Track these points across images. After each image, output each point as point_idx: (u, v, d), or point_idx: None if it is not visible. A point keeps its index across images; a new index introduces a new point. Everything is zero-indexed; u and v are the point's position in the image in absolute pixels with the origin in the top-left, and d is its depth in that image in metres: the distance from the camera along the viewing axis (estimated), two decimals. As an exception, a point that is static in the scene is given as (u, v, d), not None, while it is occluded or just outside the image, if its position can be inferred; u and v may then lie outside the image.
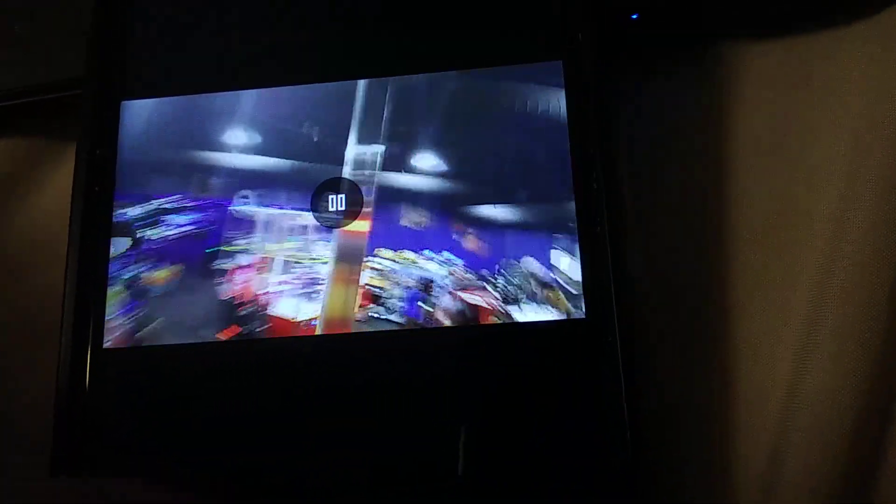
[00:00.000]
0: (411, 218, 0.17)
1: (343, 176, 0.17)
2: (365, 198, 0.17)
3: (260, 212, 0.17)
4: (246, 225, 0.17)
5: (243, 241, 0.17)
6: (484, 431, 0.16)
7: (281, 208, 0.17)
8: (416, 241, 0.17)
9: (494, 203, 0.17)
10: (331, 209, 0.17)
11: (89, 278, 0.17)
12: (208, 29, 0.19)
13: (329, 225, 0.17)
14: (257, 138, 0.18)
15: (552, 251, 0.16)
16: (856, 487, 0.17)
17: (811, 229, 0.18)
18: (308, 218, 0.17)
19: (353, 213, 0.17)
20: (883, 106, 0.18)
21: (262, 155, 0.18)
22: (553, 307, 0.16)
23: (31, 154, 0.23)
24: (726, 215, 0.19)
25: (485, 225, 0.17)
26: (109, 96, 0.18)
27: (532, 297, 0.16)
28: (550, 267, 0.16)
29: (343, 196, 0.17)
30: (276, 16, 0.19)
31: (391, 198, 0.17)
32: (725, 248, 0.19)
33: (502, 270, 0.16)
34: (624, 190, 0.16)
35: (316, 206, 0.17)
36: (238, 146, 0.18)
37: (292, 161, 0.17)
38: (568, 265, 0.16)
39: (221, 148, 0.18)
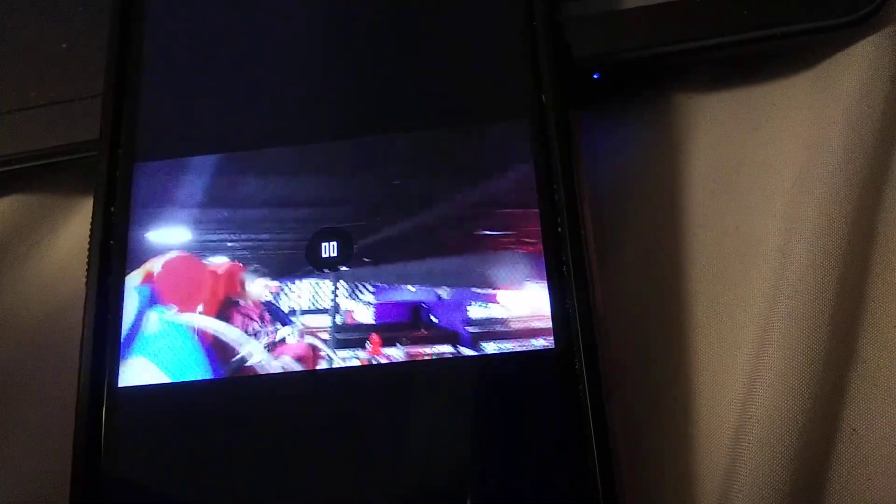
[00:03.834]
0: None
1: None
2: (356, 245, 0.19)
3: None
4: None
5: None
6: (453, 472, 0.17)
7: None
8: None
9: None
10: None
11: (106, 319, 0.19)
12: (218, 92, 0.20)
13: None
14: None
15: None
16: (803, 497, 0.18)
17: (761, 261, 0.20)
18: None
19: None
20: (819, 149, 0.20)
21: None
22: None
23: (45, 207, 0.25)
24: (684, 251, 0.21)
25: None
26: (122, 159, 0.20)
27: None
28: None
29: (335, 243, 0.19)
30: (278, 76, 0.21)
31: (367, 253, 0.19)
32: (684, 282, 0.21)
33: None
34: (588, 232, 0.18)
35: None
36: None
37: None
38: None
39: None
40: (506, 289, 0.18)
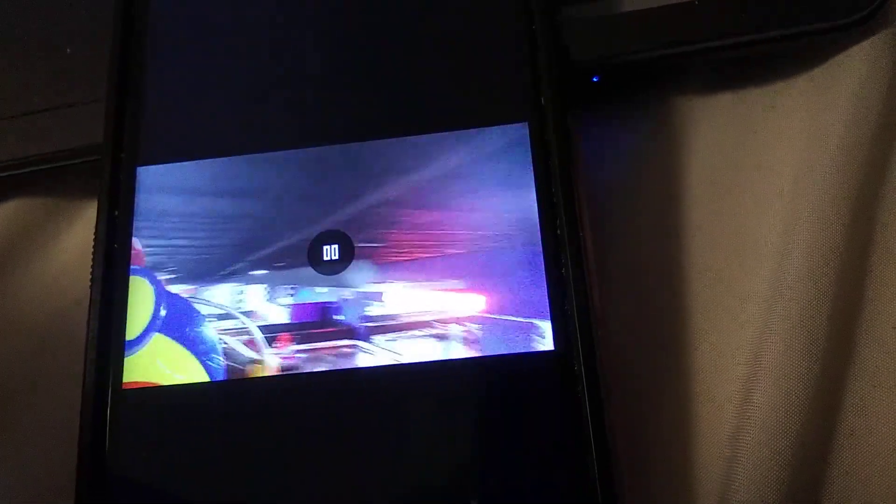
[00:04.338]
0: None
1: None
2: (356, 246, 0.19)
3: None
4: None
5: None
6: (453, 473, 0.17)
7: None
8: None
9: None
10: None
11: (110, 321, 0.19)
12: (220, 95, 0.21)
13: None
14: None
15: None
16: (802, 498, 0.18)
17: (759, 262, 0.20)
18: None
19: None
20: (817, 152, 0.21)
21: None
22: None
23: (49, 211, 0.25)
24: (683, 252, 0.21)
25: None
26: (125, 163, 0.20)
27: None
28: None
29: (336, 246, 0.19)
30: (280, 81, 0.21)
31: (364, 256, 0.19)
32: (683, 282, 0.21)
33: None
34: (587, 233, 0.18)
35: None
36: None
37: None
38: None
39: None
40: (505, 290, 0.18)
